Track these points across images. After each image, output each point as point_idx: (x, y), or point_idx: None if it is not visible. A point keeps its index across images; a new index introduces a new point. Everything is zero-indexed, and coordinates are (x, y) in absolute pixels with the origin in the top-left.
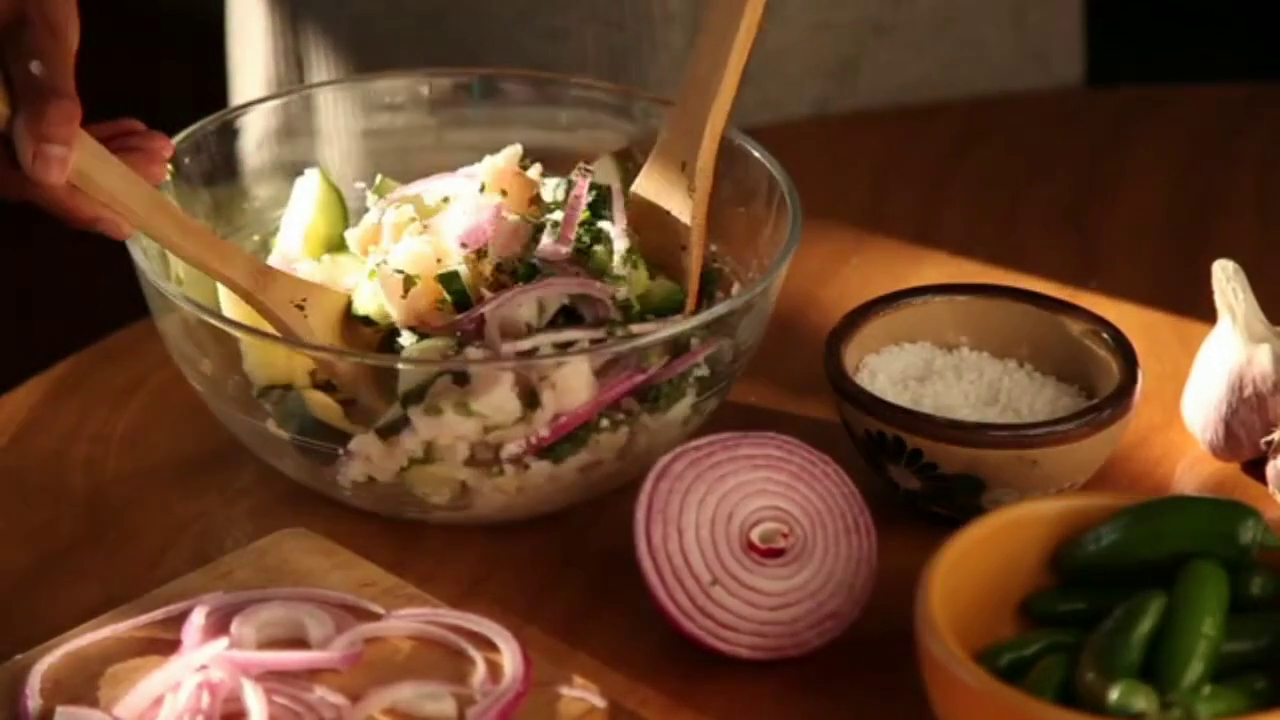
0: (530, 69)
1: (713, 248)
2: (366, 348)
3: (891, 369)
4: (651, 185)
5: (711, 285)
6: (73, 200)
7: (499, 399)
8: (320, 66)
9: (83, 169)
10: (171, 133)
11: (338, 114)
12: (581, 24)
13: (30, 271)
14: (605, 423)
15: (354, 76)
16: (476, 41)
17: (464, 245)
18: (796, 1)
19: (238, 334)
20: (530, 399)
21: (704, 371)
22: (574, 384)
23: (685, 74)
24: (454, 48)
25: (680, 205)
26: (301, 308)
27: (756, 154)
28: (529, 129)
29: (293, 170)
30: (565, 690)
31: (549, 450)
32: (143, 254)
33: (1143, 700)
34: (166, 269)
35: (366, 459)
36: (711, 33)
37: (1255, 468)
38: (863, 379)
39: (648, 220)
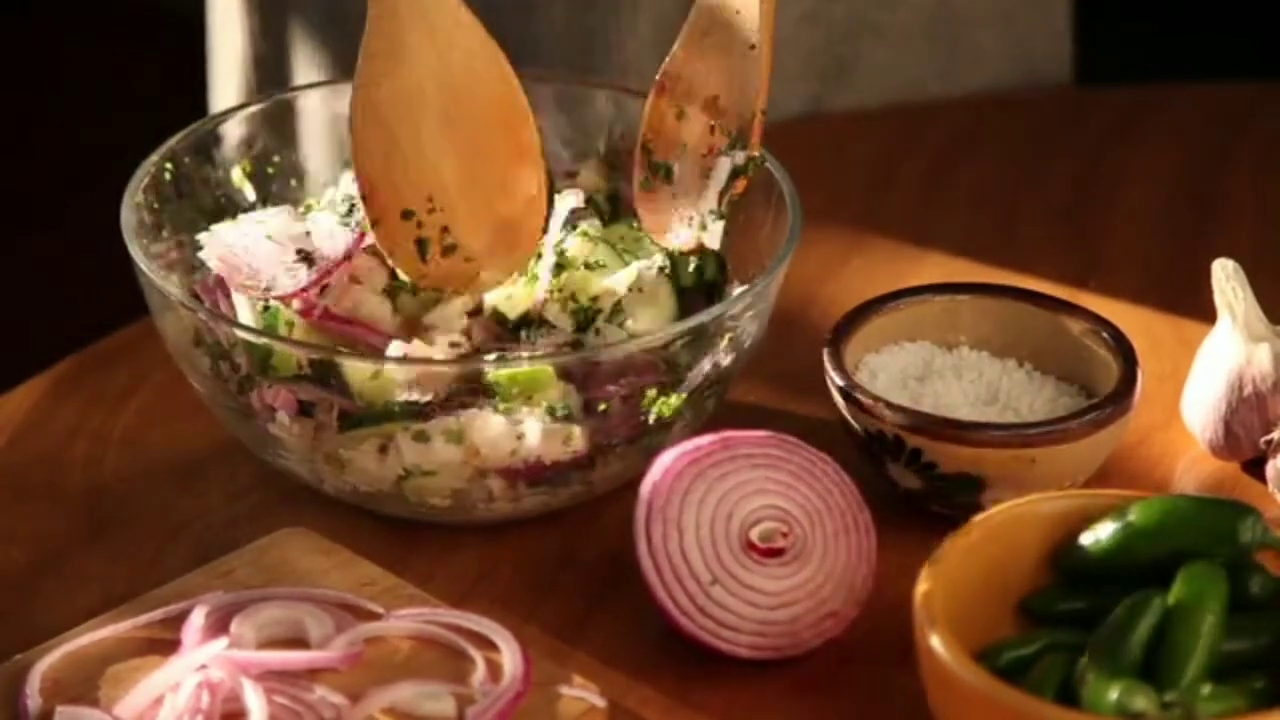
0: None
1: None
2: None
3: (891, 368)
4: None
5: (711, 286)
6: None
7: (494, 433)
8: (296, 44)
9: None
10: (169, 132)
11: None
12: (551, 1)
13: (30, 271)
14: None
15: (335, 80)
16: None
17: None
18: None
19: (237, 334)
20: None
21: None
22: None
23: None
24: None
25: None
26: None
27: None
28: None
29: (287, 169)
30: (565, 690)
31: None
32: (142, 254)
33: (1143, 700)
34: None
35: (362, 469)
36: None
37: (1255, 467)
38: (863, 378)
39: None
